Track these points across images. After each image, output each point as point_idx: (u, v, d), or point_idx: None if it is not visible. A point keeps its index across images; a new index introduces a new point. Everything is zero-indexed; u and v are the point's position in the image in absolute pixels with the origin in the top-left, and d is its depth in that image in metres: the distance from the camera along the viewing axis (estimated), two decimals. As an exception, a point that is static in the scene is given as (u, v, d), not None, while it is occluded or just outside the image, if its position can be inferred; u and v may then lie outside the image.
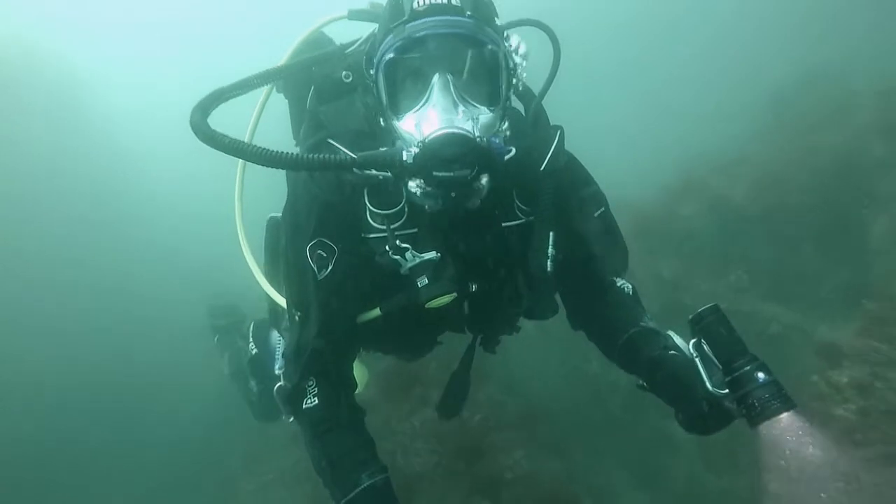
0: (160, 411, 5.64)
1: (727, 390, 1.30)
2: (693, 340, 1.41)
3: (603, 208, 1.88)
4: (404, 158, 1.40)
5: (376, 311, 1.79)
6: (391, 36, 1.49)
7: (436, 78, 1.46)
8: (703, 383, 1.36)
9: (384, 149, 1.52)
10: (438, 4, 1.46)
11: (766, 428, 1.19)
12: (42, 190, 7.15)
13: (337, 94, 1.82)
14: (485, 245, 1.76)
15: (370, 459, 1.68)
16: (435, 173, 1.40)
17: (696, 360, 1.39)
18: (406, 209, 1.67)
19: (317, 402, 1.71)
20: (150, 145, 10.00)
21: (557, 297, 1.93)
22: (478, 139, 1.41)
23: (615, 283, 1.94)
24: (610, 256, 1.90)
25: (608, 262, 1.91)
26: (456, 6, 1.47)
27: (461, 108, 1.46)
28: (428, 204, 1.58)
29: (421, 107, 1.48)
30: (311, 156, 1.39)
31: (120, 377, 5.91)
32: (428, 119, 1.44)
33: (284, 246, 1.81)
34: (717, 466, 3.69)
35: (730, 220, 4.92)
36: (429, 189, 1.49)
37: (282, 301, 1.99)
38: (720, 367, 1.32)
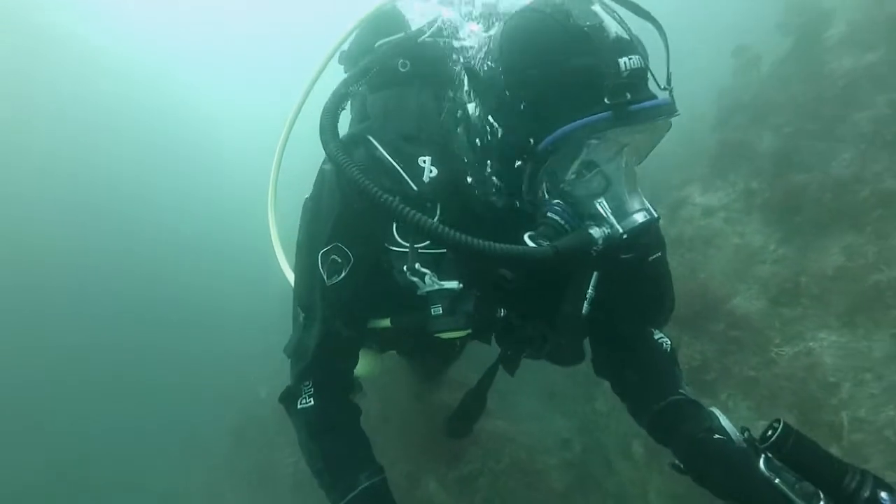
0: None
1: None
2: (763, 458, 1.26)
3: (659, 253, 1.65)
4: (600, 244, 1.24)
5: (387, 322, 1.71)
6: (609, 114, 1.16)
7: (625, 155, 1.27)
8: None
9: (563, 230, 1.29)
10: (641, 71, 1.21)
11: None
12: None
13: (388, 82, 1.67)
14: (521, 281, 1.51)
15: (367, 460, 1.68)
16: (622, 257, 1.30)
17: (777, 482, 1.22)
18: None
19: (312, 402, 1.67)
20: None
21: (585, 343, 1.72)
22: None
23: (653, 335, 1.79)
24: (656, 307, 1.75)
25: (652, 313, 1.77)
26: (648, 70, 1.24)
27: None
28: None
29: (611, 187, 1.28)
30: (497, 245, 1.19)
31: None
32: (627, 201, 1.26)
33: (300, 240, 1.75)
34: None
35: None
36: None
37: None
38: (812, 485, 1.20)
